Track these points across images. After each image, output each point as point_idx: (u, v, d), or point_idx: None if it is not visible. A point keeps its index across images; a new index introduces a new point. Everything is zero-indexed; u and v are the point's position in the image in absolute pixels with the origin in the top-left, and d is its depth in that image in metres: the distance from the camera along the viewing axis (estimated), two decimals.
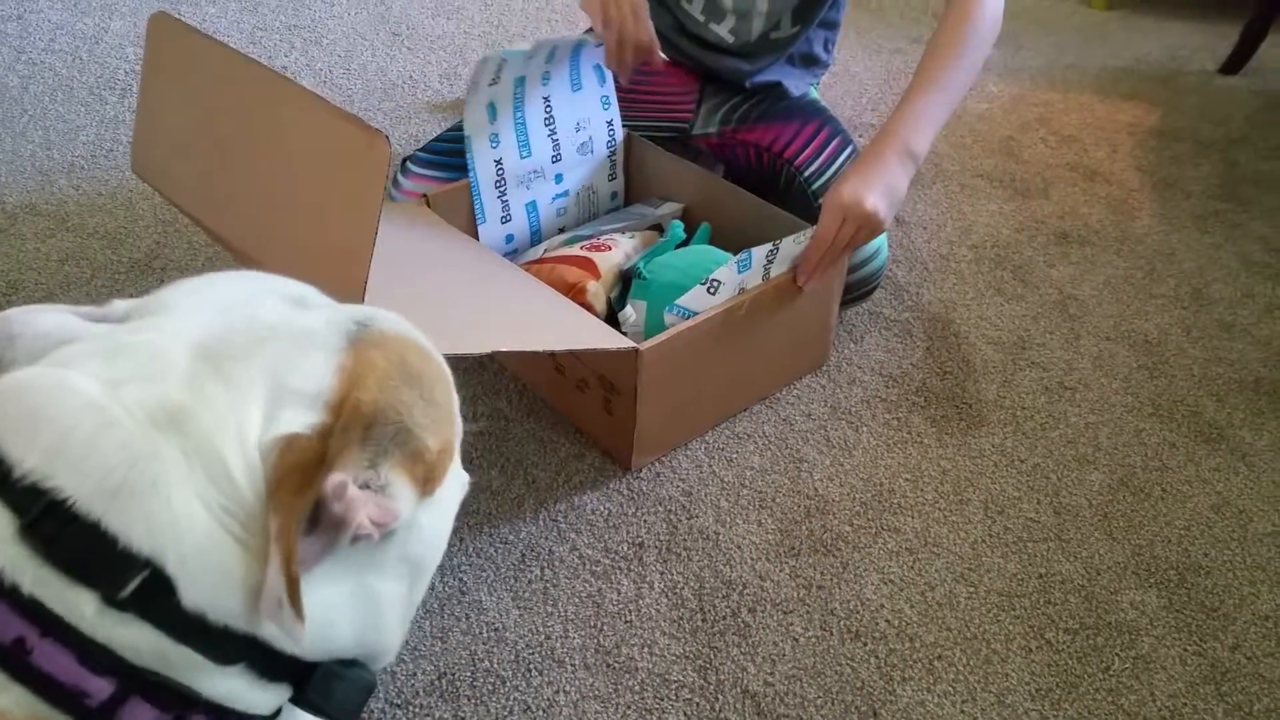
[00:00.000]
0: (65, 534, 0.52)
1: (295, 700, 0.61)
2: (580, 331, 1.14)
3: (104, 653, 0.52)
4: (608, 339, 1.14)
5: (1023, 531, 1.20)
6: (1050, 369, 1.43)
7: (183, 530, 0.53)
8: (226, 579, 0.54)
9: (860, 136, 1.91)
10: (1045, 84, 2.19)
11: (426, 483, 0.59)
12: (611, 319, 1.32)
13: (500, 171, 1.41)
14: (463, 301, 1.11)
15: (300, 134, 0.94)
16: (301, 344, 0.56)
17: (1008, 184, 1.84)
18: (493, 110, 1.39)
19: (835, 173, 1.48)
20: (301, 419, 0.54)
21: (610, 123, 1.49)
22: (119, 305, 0.62)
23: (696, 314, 1.20)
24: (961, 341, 1.47)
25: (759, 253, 1.22)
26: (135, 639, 0.53)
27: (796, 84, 1.57)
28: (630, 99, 1.51)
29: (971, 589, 1.13)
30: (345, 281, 0.93)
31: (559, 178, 1.47)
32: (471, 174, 1.39)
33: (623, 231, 1.44)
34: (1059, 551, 1.18)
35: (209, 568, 0.53)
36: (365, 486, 0.56)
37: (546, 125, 1.43)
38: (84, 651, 0.52)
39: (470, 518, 1.18)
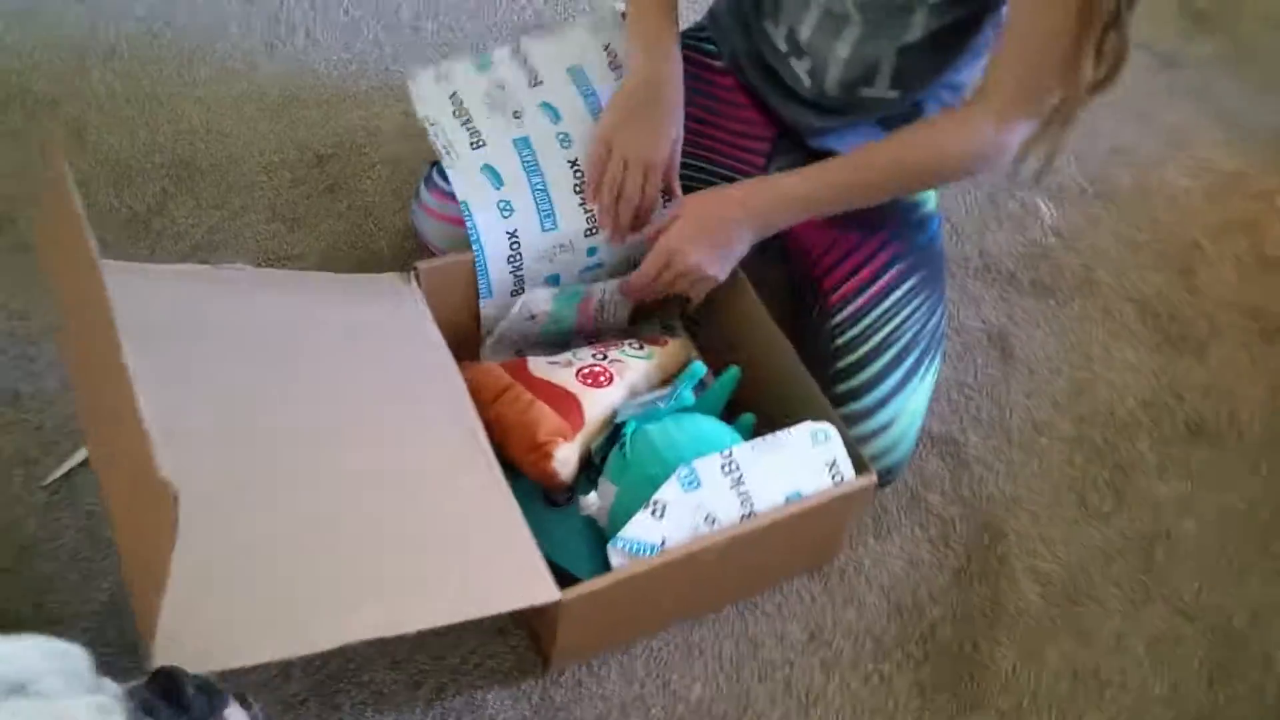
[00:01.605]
0: None
1: None
2: (485, 584, 0.95)
3: None
4: (519, 591, 0.94)
5: None
6: (1092, 645, 1.19)
7: None
8: None
9: (965, 265, 1.56)
10: None
11: None
12: (590, 466, 1.13)
13: (515, 245, 1.17)
14: (333, 529, 0.92)
15: (119, 437, 0.76)
16: None
17: (1161, 323, 1.49)
18: (494, 175, 1.14)
19: (867, 328, 1.19)
20: None
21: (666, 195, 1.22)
22: None
23: (647, 550, 1.00)
24: (1005, 570, 1.23)
25: (709, 467, 1.01)
26: None
27: None
28: (696, 131, 1.23)
29: None
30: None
31: (592, 250, 1.23)
32: (476, 247, 1.16)
33: (640, 345, 1.21)
34: None
35: None
36: None
37: (579, 193, 1.17)
38: None
39: (355, 690, 1.06)
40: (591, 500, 1.08)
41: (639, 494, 1.03)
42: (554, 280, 1.23)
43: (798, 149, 1.26)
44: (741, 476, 1.02)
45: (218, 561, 0.81)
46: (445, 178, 1.22)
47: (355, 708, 1.05)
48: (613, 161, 1.14)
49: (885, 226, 1.22)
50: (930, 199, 1.28)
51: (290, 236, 1.37)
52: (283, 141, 1.47)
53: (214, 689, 0.72)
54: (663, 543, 1.00)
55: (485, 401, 1.17)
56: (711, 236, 1.13)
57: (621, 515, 1.06)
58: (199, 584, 0.74)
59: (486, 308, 1.21)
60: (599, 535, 1.07)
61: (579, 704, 1.08)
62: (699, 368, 1.16)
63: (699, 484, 1.01)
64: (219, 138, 1.46)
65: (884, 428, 1.15)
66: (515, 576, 0.95)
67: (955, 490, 1.28)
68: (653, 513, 0.99)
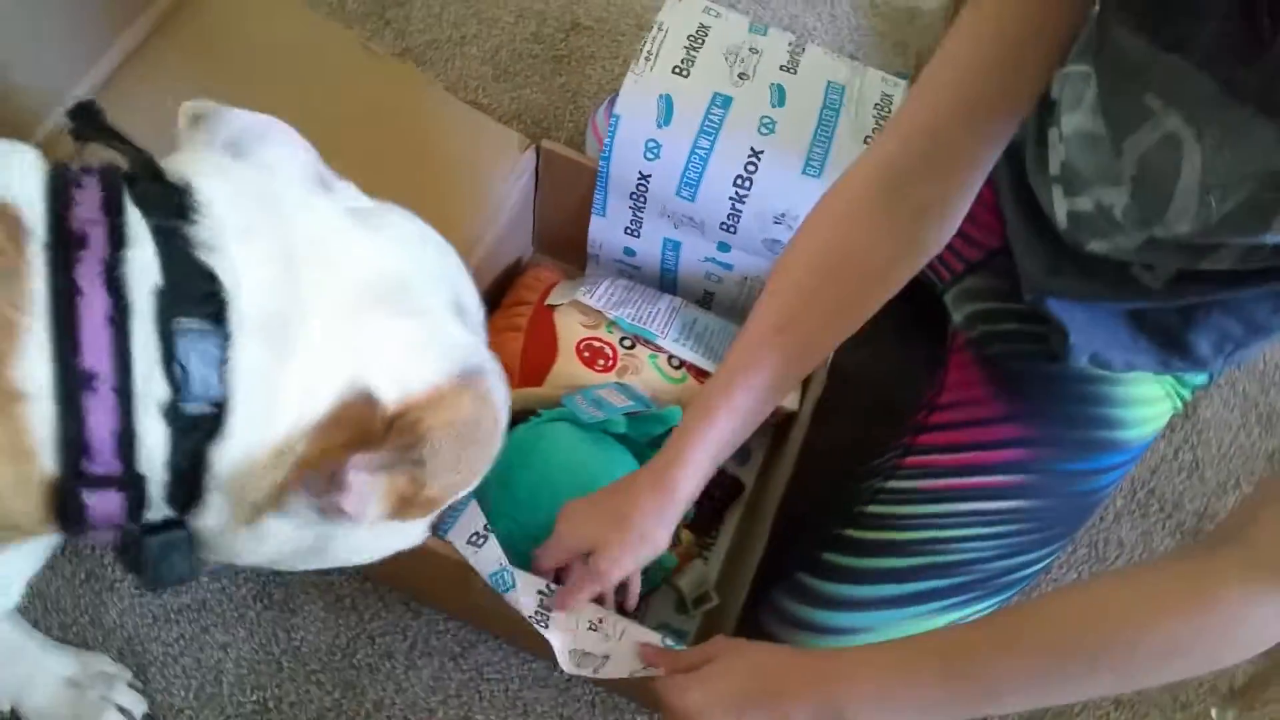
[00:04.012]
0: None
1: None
2: None
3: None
4: None
5: None
6: None
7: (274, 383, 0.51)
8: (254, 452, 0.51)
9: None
10: None
11: (396, 512, 0.58)
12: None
13: (643, 187, 1.02)
14: None
15: None
16: (432, 344, 0.56)
17: None
18: (668, 106, 0.99)
19: (907, 517, 0.91)
20: (385, 391, 0.54)
21: None
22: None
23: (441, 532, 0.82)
24: None
25: (528, 585, 0.79)
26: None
27: (1104, 352, 0.90)
28: None
29: None
30: None
31: (724, 247, 1.05)
32: (603, 162, 1.01)
33: (680, 366, 1.02)
34: None
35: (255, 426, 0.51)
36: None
37: (738, 185, 0.99)
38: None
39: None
40: None
41: (493, 482, 0.86)
42: (674, 248, 1.07)
43: (1002, 279, 0.97)
44: (548, 618, 0.79)
45: None
46: None
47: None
48: (557, 538, 0.83)
49: (1038, 420, 0.93)
50: (1145, 418, 0.95)
51: (490, 85, 1.29)
52: None
53: None
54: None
55: (504, 303, 1.05)
56: (757, 712, 0.71)
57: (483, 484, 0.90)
58: None
59: (595, 227, 1.08)
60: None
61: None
62: (674, 414, 0.92)
63: (513, 587, 0.79)
64: None
65: (832, 631, 0.90)
66: None
67: None
68: (471, 538, 0.80)
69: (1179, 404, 0.97)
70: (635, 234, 1.07)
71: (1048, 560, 0.94)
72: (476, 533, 0.81)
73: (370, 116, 1.01)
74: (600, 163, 1.01)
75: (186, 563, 0.55)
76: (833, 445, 1.03)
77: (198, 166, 0.53)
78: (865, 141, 1.00)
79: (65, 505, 0.49)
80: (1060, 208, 0.85)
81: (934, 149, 0.74)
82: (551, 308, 1.02)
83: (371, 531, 0.61)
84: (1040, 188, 0.89)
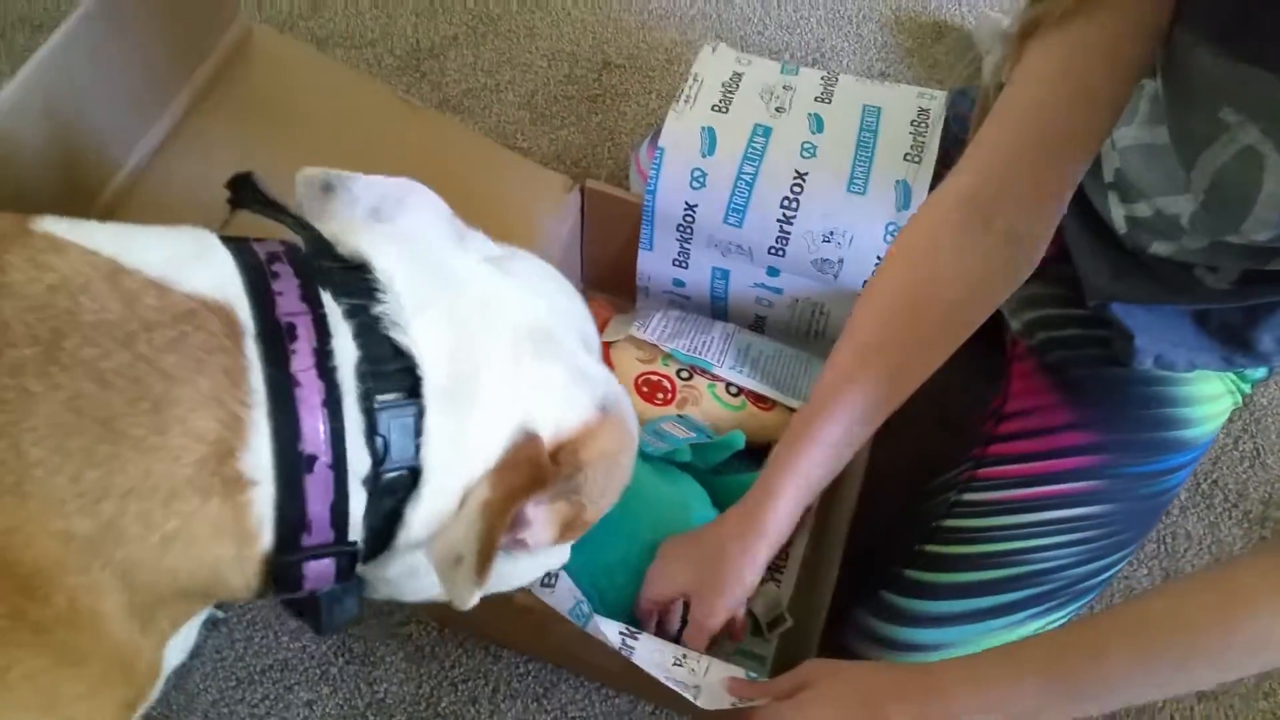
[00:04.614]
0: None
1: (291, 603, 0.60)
2: None
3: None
4: None
5: None
6: None
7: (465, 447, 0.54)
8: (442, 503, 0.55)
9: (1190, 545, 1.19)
10: None
11: (559, 537, 0.62)
12: None
13: (690, 218, 1.03)
14: None
15: None
16: (576, 382, 0.60)
17: None
18: (711, 137, 1.00)
19: (983, 530, 0.91)
20: (545, 430, 0.58)
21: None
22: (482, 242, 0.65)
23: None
24: None
25: (609, 628, 0.79)
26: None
27: (1168, 354, 0.91)
28: None
29: None
30: None
31: (773, 271, 1.06)
32: (649, 196, 1.03)
33: (738, 393, 1.02)
34: None
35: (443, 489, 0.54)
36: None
37: (784, 207, 1.00)
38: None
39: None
40: None
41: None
42: (723, 276, 1.08)
43: (1061, 286, 0.97)
44: (633, 651, 0.80)
45: None
46: None
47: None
48: (650, 584, 0.86)
49: (1105, 425, 0.93)
50: (1208, 415, 0.95)
51: (528, 129, 1.31)
52: (585, 34, 1.41)
53: None
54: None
55: None
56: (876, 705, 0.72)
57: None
58: None
59: (643, 261, 1.09)
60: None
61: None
62: (736, 439, 0.93)
63: (585, 621, 0.79)
64: (531, 8, 1.42)
65: (916, 648, 0.89)
66: None
67: None
68: (545, 580, 0.80)
69: (1239, 398, 0.97)
70: (683, 265, 1.08)
71: (1122, 563, 0.94)
72: (549, 572, 0.82)
73: (416, 169, 1.01)
74: (646, 197, 1.03)
75: (356, 604, 0.58)
76: (897, 459, 1.03)
77: (364, 239, 0.56)
78: (905, 159, 1.01)
79: (285, 576, 0.52)
80: (1117, 212, 0.87)
81: (1013, 181, 0.74)
82: (607, 344, 1.04)
83: (531, 558, 0.65)
84: (1095, 194, 0.90)
